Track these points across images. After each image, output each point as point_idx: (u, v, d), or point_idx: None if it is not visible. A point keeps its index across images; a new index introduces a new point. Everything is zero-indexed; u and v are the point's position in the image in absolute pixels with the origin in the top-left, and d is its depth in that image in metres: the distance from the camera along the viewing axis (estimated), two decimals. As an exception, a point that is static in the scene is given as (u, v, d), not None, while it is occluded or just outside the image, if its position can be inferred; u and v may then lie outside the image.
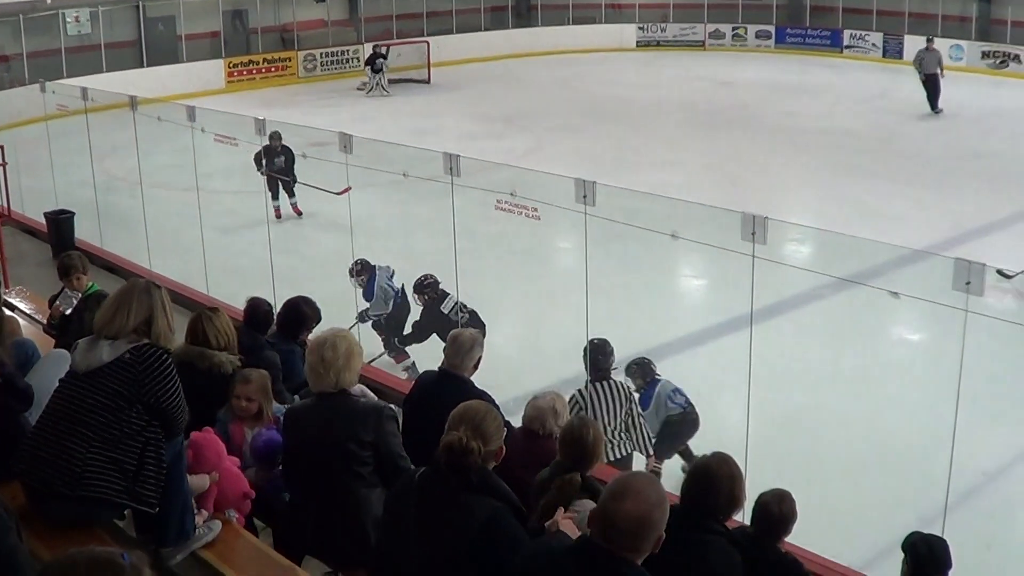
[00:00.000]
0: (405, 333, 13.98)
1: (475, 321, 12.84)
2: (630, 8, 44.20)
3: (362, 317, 14.10)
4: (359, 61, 39.93)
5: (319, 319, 8.79)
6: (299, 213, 19.19)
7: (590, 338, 10.20)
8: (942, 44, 33.21)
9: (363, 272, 14.35)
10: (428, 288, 13.58)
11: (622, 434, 9.98)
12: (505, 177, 11.39)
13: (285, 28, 40.76)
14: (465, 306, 13.22)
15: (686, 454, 11.05)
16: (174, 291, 13.92)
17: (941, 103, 29.55)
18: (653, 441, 10.24)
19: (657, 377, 11.37)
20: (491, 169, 12.18)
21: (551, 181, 10.49)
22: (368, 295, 14.31)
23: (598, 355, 10.18)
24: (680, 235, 10.90)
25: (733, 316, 13.85)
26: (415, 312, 13.97)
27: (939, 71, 29.77)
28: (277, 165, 18.23)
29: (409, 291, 13.98)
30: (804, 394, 12.56)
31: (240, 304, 8.97)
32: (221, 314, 7.01)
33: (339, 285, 14.24)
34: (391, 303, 14.37)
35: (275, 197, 18.88)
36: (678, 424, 11.07)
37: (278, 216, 18.73)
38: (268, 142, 17.49)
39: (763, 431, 9.55)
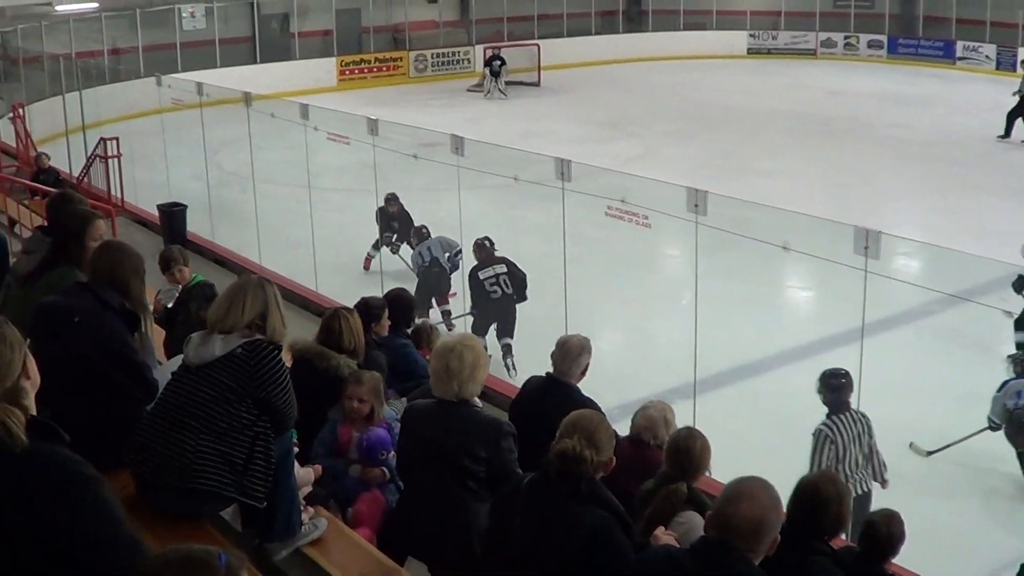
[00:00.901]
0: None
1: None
2: (741, 15, 43.81)
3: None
4: (470, 62, 40.15)
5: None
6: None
7: (826, 368, 9.72)
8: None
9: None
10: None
11: (863, 470, 9.47)
12: (615, 183, 11.34)
13: (397, 28, 41.09)
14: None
15: None
16: (283, 287, 14.08)
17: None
18: (886, 469, 9.66)
19: None
20: (601, 174, 12.14)
21: (662, 189, 10.44)
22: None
23: (839, 385, 9.53)
24: (791, 247, 10.80)
25: (842, 329, 13.69)
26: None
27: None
28: (393, 229, 17.16)
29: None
30: (913, 410, 12.34)
31: (347, 302, 9.01)
32: (356, 315, 7.06)
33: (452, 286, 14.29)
34: (418, 269, 15.36)
35: (376, 247, 17.27)
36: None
37: (367, 267, 17.30)
38: (384, 204, 16.80)
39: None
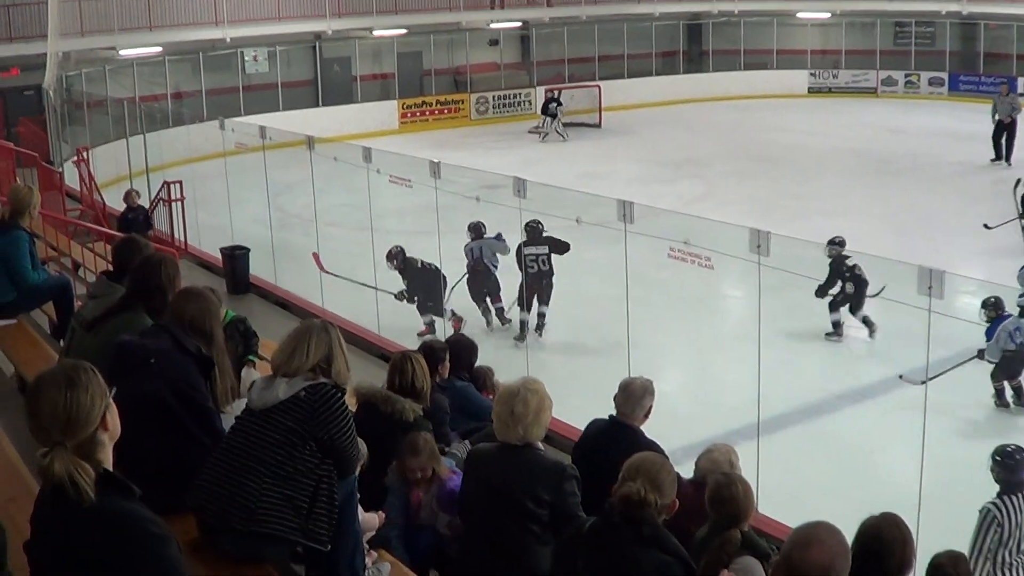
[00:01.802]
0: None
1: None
2: (801, 54, 43.70)
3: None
4: (531, 104, 40.25)
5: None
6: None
7: (1000, 445, 9.01)
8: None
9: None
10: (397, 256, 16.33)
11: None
12: (677, 224, 11.33)
13: (458, 71, 41.32)
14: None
15: (1018, 389, 13.47)
16: (345, 330, 14.16)
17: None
18: None
19: (1005, 314, 13.32)
20: (663, 215, 12.13)
21: (724, 230, 10.40)
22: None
23: (1015, 465, 8.79)
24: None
25: (905, 368, 13.57)
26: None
27: (1014, 118, 29.07)
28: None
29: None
30: (978, 451, 12.18)
31: (409, 345, 9.06)
32: (422, 359, 7.07)
33: (512, 326, 14.28)
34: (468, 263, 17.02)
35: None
36: (1012, 359, 13.34)
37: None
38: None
39: (936, 488, 9.29)
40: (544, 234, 16.17)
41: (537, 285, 16.40)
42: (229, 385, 5.84)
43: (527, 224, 15.62)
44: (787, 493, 10.20)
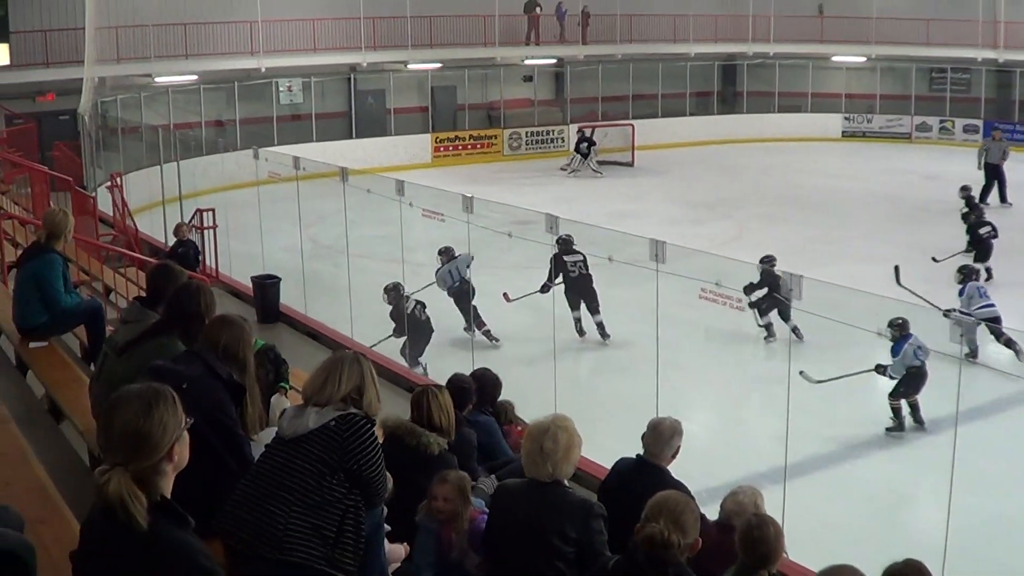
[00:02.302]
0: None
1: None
2: (836, 97, 43.64)
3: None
4: (564, 141, 40.37)
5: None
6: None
7: None
8: None
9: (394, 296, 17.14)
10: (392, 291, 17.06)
11: None
12: (709, 265, 11.30)
13: (492, 106, 41.51)
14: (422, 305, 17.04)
15: (915, 407, 14.33)
16: (374, 362, 14.17)
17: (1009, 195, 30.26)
18: None
19: (909, 334, 14.05)
20: (695, 256, 12.10)
21: (756, 272, 10.39)
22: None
23: None
24: (886, 334, 10.69)
25: (935, 416, 13.51)
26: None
27: (1001, 163, 30.44)
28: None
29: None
30: (1007, 502, 12.09)
31: (437, 378, 9.06)
32: (445, 393, 7.05)
33: (540, 364, 14.24)
34: (448, 288, 17.94)
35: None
36: (915, 376, 14.18)
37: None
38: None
39: (962, 538, 9.22)
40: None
41: (584, 289, 17.77)
42: (259, 413, 5.94)
43: (559, 238, 16.27)
44: (812, 538, 10.12)
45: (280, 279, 16.65)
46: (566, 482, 5.80)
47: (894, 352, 14.37)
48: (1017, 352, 16.55)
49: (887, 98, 43.54)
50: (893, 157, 38.64)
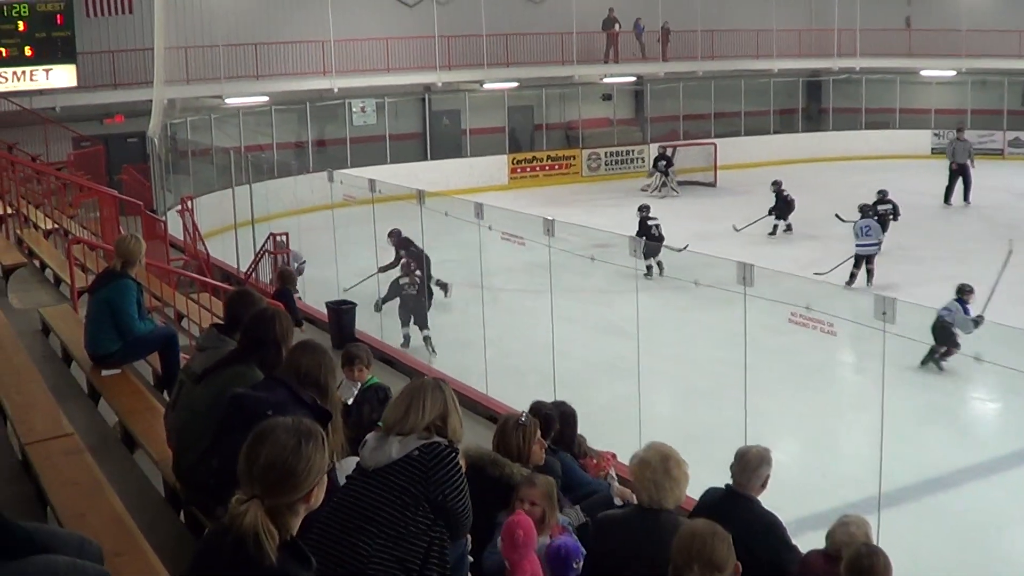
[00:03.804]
0: None
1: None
2: (925, 113, 42.99)
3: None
4: (643, 161, 40.11)
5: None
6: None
7: None
8: None
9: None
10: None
11: None
12: (798, 288, 11.02)
13: (570, 126, 41.34)
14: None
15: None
16: (453, 389, 13.99)
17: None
18: None
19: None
20: (783, 279, 11.84)
21: (847, 295, 10.12)
22: None
23: None
24: (984, 358, 10.36)
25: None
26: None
27: (969, 161, 33.12)
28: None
29: None
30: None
31: (517, 405, 8.91)
32: (534, 424, 6.99)
33: (622, 391, 13.99)
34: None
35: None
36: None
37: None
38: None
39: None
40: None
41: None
42: (341, 441, 5.86)
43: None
44: (906, 571, 9.79)
45: (356, 305, 16.52)
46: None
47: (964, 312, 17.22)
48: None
49: (978, 113, 42.77)
50: (985, 174, 37.83)
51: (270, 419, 3.70)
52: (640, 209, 25.65)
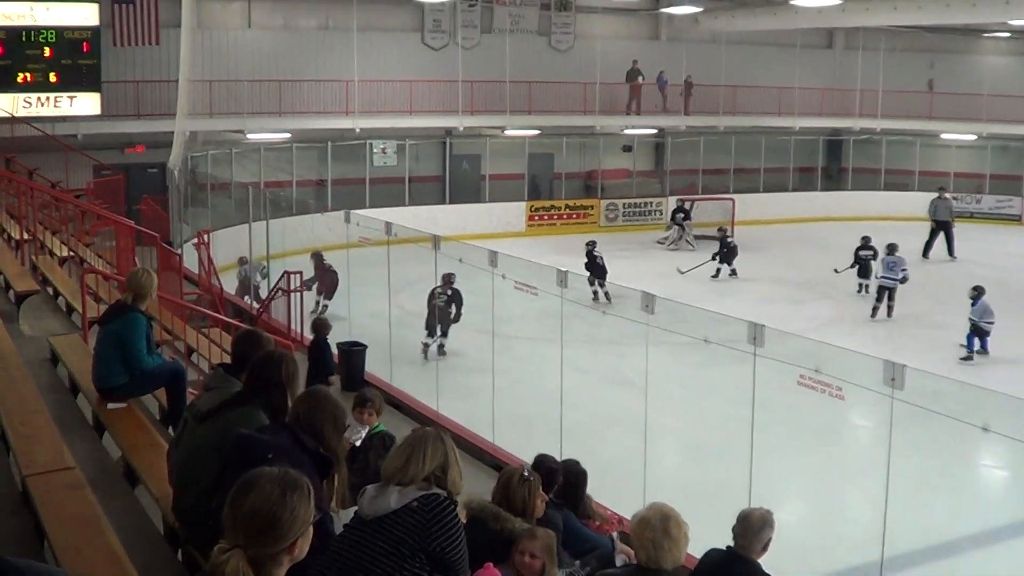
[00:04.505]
0: None
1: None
2: (944, 175, 42.94)
3: None
4: (662, 214, 40.11)
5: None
6: None
7: None
8: None
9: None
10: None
11: None
12: (808, 350, 10.99)
13: (590, 175, 41.36)
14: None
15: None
16: (458, 436, 13.95)
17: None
18: None
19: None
20: (794, 340, 11.79)
21: (857, 359, 10.08)
22: None
23: None
24: (992, 428, 10.29)
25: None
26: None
27: (950, 219, 35.44)
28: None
29: None
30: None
31: (524, 455, 8.90)
32: (537, 479, 6.96)
33: (628, 445, 13.95)
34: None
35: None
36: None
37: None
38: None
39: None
40: None
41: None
42: (344, 490, 5.91)
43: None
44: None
45: (366, 346, 16.49)
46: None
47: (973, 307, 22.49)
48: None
49: (997, 178, 42.90)
50: (1003, 240, 37.89)
51: (256, 468, 3.68)
52: (587, 244, 27.36)
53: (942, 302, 27.24)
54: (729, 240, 31.61)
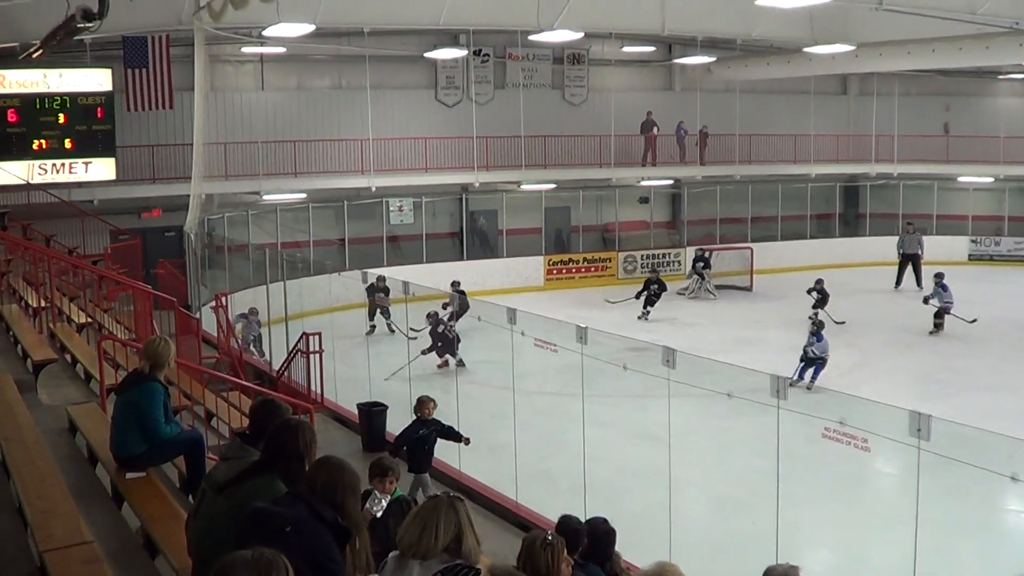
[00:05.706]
0: None
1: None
2: (962, 219, 42.80)
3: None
4: (680, 264, 39.97)
5: None
6: None
7: None
8: None
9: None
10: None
11: None
12: (832, 401, 10.90)
13: (607, 228, 41.29)
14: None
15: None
16: (482, 495, 13.86)
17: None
18: None
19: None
20: (818, 391, 11.70)
21: (882, 410, 9.98)
22: None
23: None
24: (1021, 478, 10.14)
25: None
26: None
27: (919, 252, 37.23)
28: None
29: None
30: None
31: (549, 514, 8.80)
32: (562, 543, 6.81)
33: (653, 499, 13.84)
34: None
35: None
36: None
37: None
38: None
39: None
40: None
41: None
42: (366, 558, 5.79)
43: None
44: None
45: (387, 407, 16.40)
46: None
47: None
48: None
49: (1016, 220, 42.67)
50: (1022, 282, 37.64)
51: (230, 555, 3.68)
52: (428, 316, 23.43)
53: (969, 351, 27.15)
54: (654, 286, 32.64)
